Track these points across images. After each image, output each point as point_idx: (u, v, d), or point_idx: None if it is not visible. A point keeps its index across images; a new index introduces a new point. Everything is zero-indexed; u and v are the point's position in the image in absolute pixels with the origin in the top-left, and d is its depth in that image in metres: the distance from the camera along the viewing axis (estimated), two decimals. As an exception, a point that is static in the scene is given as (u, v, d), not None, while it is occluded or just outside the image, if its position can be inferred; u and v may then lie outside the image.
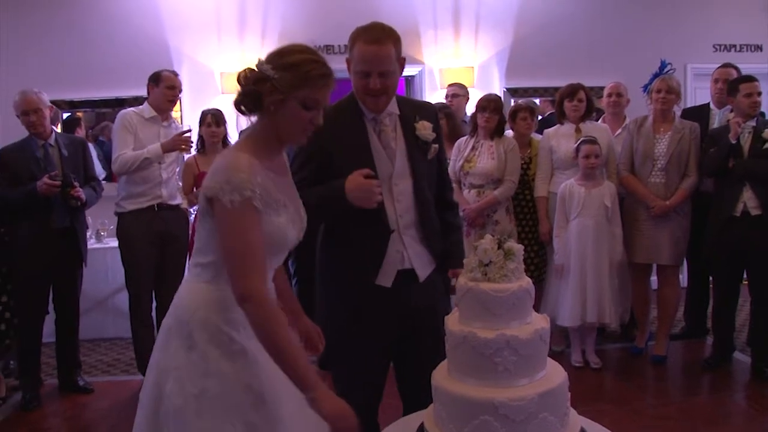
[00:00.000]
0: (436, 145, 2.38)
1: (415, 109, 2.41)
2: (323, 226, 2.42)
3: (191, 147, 4.31)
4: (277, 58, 1.79)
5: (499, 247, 1.74)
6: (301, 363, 1.68)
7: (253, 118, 1.85)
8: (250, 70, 1.81)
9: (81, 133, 5.93)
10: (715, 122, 4.66)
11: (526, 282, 1.77)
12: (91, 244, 5.05)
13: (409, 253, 2.33)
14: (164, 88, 4.20)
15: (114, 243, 5.26)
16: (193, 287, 1.85)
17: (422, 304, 2.34)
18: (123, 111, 4.28)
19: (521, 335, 1.67)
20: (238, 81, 1.82)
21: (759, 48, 6.87)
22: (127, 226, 4.17)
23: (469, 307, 1.76)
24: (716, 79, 4.75)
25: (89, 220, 4.69)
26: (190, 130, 4.26)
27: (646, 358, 4.58)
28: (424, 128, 2.34)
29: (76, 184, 3.99)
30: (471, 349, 1.68)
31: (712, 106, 4.81)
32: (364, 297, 2.29)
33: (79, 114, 6.08)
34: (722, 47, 6.78)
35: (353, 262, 2.28)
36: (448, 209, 2.54)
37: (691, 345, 4.90)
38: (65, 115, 6.03)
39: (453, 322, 1.79)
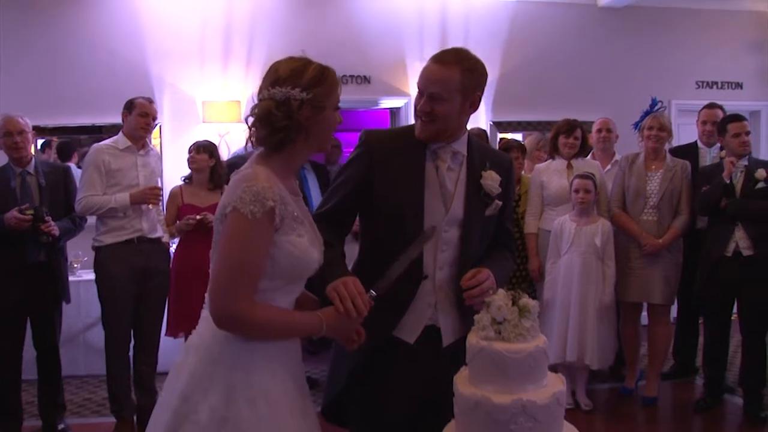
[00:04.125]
0: (499, 203, 2.12)
1: (486, 156, 2.17)
2: (355, 261, 2.21)
3: (159, 201, 4.11)
4: (298, 79, 1.72)
5: (513, 304, 1.63)
6: (301, 323, 1.76)
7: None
8: (276, 103, 1.71)
9: (75, 159, 5.75)
10: (707, 161, 4.65)
11: (542, 341, 1.65)
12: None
13: (440, 310, 2.08)
14: (137, 115, 4.00)
15: (87, 276, 5.10)
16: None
17: (446, 371, 1.87)
18: (96, 146, 4.04)
19: (538, 400, 1.54)
20: (267, 120, 1.71)
21: (740, 85, 6.98)
22: (105, 260, 3.96)
23: (481, 368, 1.63)
24: (704, 121, 4.75)
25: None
26: (159, 187, 4.09)
27: (637, 399, 4.50)
28: (491, 179, 2.09)
29: (47, 218, 3.78)
30: (484, 414, 1.55)
31: (700, 144, 4.80)
32: (381, 350, 2.04)
33: (54, 139, 5.88)
34: (704, 84, 6.88)
35: (374, 308, 1.87)
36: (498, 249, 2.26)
37: (682, 385, 4.84)
38: (39, 142, 5.83)
39: (463, 384, 1.66)
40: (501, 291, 1.69)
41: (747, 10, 6.86)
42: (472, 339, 1.68)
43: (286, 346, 1.78)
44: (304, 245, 1.73)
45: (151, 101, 4.11)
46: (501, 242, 2.25)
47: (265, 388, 1.69)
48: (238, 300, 1.61)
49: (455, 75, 1.99)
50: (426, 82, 2.02)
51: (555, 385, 1.64)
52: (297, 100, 1.70)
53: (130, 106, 4.04)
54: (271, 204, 1.64)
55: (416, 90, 2.10)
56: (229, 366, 1.68)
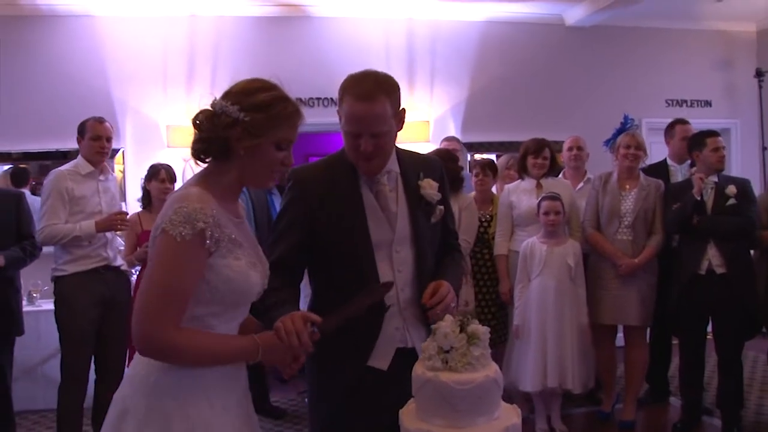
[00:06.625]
0: (442, 207, 2.10)
1: (418, 165, 2.13)
2: (311, 294, 2.15)
3: (127, 227, 3.96)
4: (243, 97, 1.65)
5: (461, 331, 1.52)
6: (233, 347, 1.65)
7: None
8: (211, 113, 1.66)
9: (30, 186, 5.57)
10: (678, 179, 4.57)
11: (494, 370, 1.53)
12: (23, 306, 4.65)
13: (410, 331, 2.02)
14: (89, 139, 3.83)
15: (47, 306, 4.91)
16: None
17: None
18: (56, 171, 3.85)
19: (490, 435, 1.42)
20: (197, 126, 1.69)
21: (708, 103, 7.00)
22: (68, 290, 3.76)
23: (427, 401, 1.51)
24: (683, 138, 4.62)
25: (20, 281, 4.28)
26: (126, 212, 3.94)
27: (614, 423, 4.38)
28: (430, 187, 2.06)
29: None
30: (432, 452, 1.43)
31: (670, 162, 4.74)
32: (358, 379, 2.00)
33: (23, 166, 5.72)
34: (674, 102, 6.89)
35: (344, 339, 1.86)
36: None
37: (657, 408, 4.73)
38: (4, 167, 5.67)
39: (410, 419, 1.53)
40: (448, 317, 1.57)
41: (712, 30, 6.91)
42: (418, 369, 1.56)
43: (223, 374, 1.67)
44: (242, 268, 1.65)
45: (101, 121, 3.91)
46: (447, 243, 2.21)
47: (204, 419, 1.61)
48: (162, 324, 1.53)
49: (385, 106, 1.93)
50: (362, 124, 1.93)
51: (509, 417, 1.52)
52: (230, 117, 1.63)
53: (81, 130, 3.87)
54: (202, 225, 1.56)
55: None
56: (163, 397, 1.59)
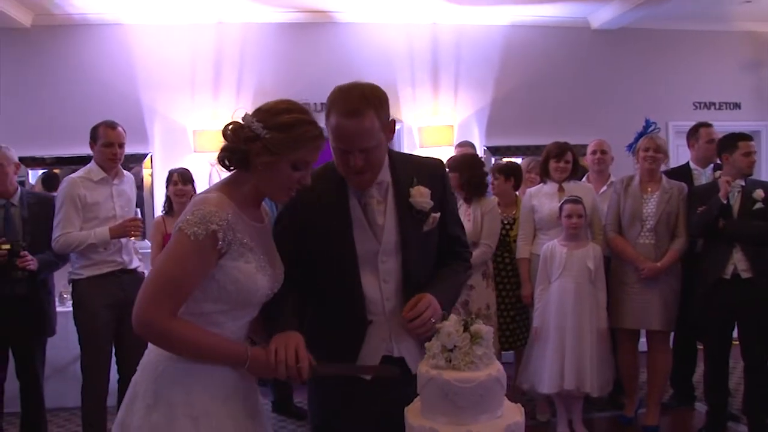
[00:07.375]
0: (436, 215, 2.03)
1: (413, 170, 2.05)
2: (309, 316, 2.16)
3: (141, 233, 3.95)
4: (269, 116, 1.75)
5: (464, 330, 1.54)
6: (222, 349, 1.74)
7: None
8: (239, 125, 1.77)
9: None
10: (701, 182, 4.52)
11: (497, 369, 1.55)
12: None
13: (397, 341, 2.00)
14: (101, 146, 3.83)
15: (78, 306, 5.02)
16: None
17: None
18: (69, 178, 3.83)
19: (490, 433, 1.44)
20: (225, 136, 1.79)
21: (738, 106, 6.88)
22: (86, 293, 3.83)
23: (431, 398, 1.54)
24: (711, 140, 4.56)
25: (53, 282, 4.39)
26: (139, 218, 3.94)
27: (637, 428, 4.34)
28: (420, 195, 2.00)
29: (24, 253, 3.67)
30: (434, 448, 1.46)
31: (693, 166, 4.69)
32: (346, 386, 2.00)
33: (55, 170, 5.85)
34: (702, 105, 6.78)
35: (330, 349, 1.93)
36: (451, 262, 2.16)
37: (682, 413, 4.68)
38: (40, 172, 5.81)
39: (414, 416, 1.56)
40: (453, 316, 1.60)
41: (742, 31, 6.79)
42: (423, 368, 1.59)
43: (227, 371, 1.77)
44: (250, 272, 1.75)
45: (113, 126, 3.89)
46: (449, 252, 2.15)
47: (207, 409, 1.72)
48: (157, 309, 1.65)
49: (373, 121, 1.87)
50: (351, 140, 1.87)
51: (511, 416, 1.53)
52: (253, 132, 1.73)
53: (94, 135, 3.87)
54: (215, 228, 1.67)
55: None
56: (169, 384, 1.72)
